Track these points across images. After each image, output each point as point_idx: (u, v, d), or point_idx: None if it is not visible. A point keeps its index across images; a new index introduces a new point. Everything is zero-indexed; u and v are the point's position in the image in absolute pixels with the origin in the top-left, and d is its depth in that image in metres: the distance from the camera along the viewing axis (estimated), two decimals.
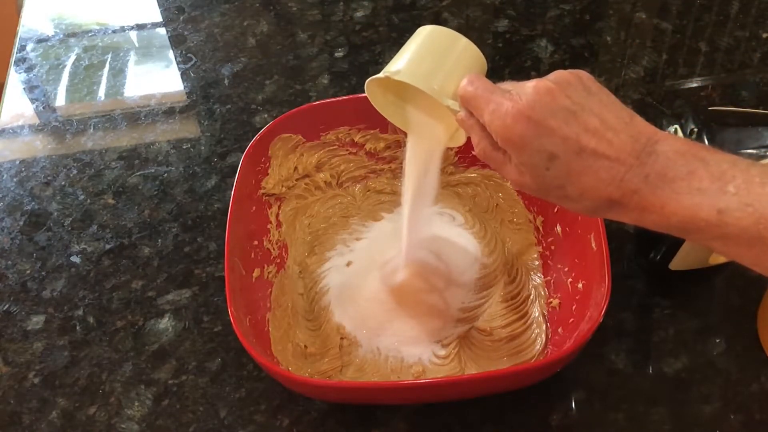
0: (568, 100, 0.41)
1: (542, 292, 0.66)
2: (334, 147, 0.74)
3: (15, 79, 0.95)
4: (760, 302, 0.64)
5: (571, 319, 0.60)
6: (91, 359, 0.66)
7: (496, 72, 0.87)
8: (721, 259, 0.65)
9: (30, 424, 0.62)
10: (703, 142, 0.59)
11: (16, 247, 0.75)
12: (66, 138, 0.87)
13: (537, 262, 0.69)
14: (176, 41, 0.98)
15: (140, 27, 1.02)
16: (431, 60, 0.50)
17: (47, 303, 0.70)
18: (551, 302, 0.64)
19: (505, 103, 0.42)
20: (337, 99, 0.73)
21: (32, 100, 0.92)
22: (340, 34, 0.96)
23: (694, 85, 0.86)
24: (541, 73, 0.43)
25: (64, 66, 0.96)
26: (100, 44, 0.99)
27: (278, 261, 0.69)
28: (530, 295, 0.66)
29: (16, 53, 0.99)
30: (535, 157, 0.42)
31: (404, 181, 0.60)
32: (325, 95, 0.88)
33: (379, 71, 0.51)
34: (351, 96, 0.74)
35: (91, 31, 1.02)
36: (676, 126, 0.62)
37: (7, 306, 0.70)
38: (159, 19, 1.02)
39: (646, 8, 0.97)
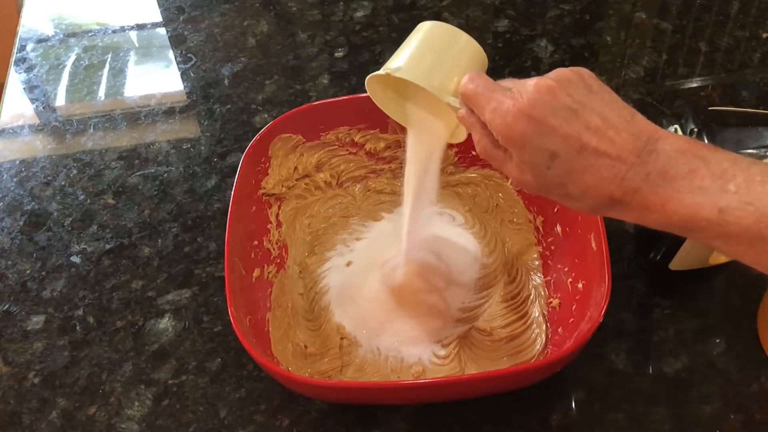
0: (570, 98, 0.41)
1: (542, 292, 0.66)
2: (334, 147, 0.74)
3: (15, 79, 0.95)
4: (760, 302, 0.64)
5: (571, 319, 0.60)
6: (91, 359, 0.66)
7: (496, 72, 0.87)
8: (721, 259, 0.65)
9: (30, 424, 0.62)
10: (703, 141, 0.59)
11: (16, 247, 0.75)
12: (66, 138, 0.87)
13: (537, 262, 0.69)
14: (176, 41, 0.98)
15: (140, 27, 1.02)
16: (432, 56, 0.50)
17: (47, 303, 0.70)
18: (551, 302, 0.64)
19: (506, 102, 0.42)
20: (337, 99, 0.73)
21: (32, 100, 0.92)
22: (340, 34, 0.96)
23: (694, 85, 0.86)
24: (541, 73, 0.43)
25: (64, 66, 0.96)
26: (100, 44, 0.99)
27: (278, 261, 0.69)
28: (530, 295, 0.66)
29: (16, 53, 0.99)
30: (536, 156, 0.42)
31: (405, 178, 0.59)
32: (325, 95, 0.88)
33: (379, 70, 0.50)
34: (351, 96, 0.74)
35: (91, 31, 1.02)
36: (676, 126, 0.62)
37: (7, 306, 0.70)
38: (159, 19, 1.02)
39: (646, 8, 0.97)
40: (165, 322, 0.68)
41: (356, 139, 0.74)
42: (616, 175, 0.40)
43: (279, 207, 0.72)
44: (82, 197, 0.79)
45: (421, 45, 0.51)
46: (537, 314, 0.65)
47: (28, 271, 0.73)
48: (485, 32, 0.94)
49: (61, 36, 1.02)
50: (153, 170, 0.82)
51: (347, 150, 0.74)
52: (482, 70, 0.51)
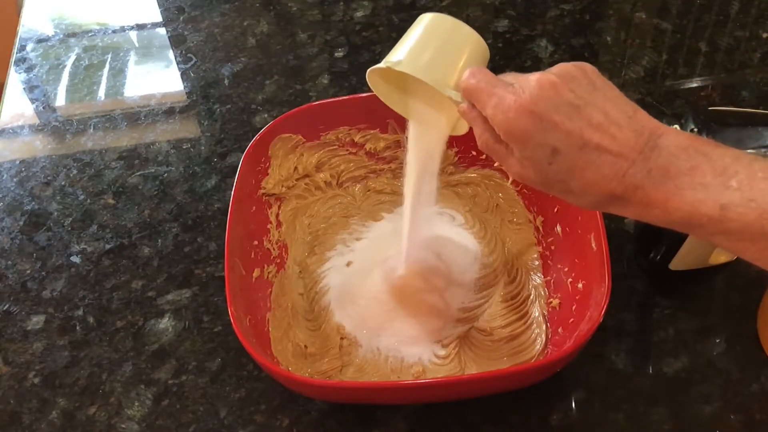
0: (572, 94, 0.41)
1: (542, 292, 0.66)
2: (334, 147, 0.74)
3: (15, 79, 0.95)
4: (760, 302, 0.64)
5: (571, 319, 0.60)
6: (91, 359, 0.66)
7: (496, 72, 0.87)
8: (721, 259, 0.65)
9: (30, 424, 0.62)
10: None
11: (16, 247, 0.75)
12: (66, 138, 0.87)
13: (537, 262, 0.69)
14: (176, 41, 0.98)
15: (140, 27, 1.02)
16: (432, 49, 0.49)
17: (47, 303, 0.70)
18: (551, 302, 0.64)
19: (508, 97, 0.42)
20: (337, 99, 0.72)
21: (32, 100, 0.92)
22: (340, 34, 0.96)
23: (694, 85, 0.86)
24: None
25: (64, 66, 0.96)
26: (100, 44, 0.99)
27: (278, 261, 0.69)
28: (530, 295, 0.66)
29: (16, 53, 0.99)
30: (537, 152, 0.42)
31: (406, 171, 0.59)
32: (325, 95, 0.88)
33: (380, 63, 0.50)
34: (351, 96, 0.74)
35: (91, 31, 1.02)
36: (676, 126, 0.62)
37: (7, 306, 0.70)
38: (159, 19, 1.02)
39: (646, 8, 0.97)
40: (165, 322, 0.68)
41: (356, 139, 0.74)
42: (617, 171, 0.40)
43: (279, 207, 0.72)
44: (82, 197, 0.79)
45: (422, 37, 0.50)
46: (537, 314, 0.65)
47: (28, 271, 0.73)
48: (485, 32, 0.94)
49: (61, 36, 1.02)
50: (153, 170, 0.82)
51: (347, 150, 0.74)
52: (484, 63, 0.50)
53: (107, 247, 0.74)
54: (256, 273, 0.65)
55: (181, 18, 1.01)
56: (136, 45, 1.00)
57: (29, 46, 1.00)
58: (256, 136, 0.68)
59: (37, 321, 0.69)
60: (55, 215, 0.78)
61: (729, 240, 0.39)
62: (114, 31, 1.02)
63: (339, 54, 0.94)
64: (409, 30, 0.51)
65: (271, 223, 0.70)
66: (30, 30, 1.03)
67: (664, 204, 0.40)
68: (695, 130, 0.59)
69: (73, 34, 1.02)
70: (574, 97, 0.41)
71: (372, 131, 0.73)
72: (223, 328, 0.67)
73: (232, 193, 0.64)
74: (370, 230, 0.74)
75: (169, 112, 0.89)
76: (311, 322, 0.66)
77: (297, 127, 0.71)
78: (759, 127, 0.58)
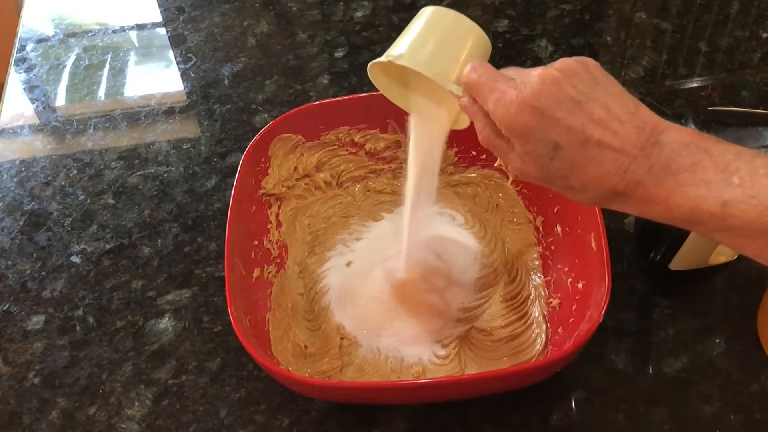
0: (574, 89, 0.41)
1: (542, 292, 0.66)
2: (334, 147, 0.74)
3: (15, 79, 0.95)
4: (760, 302, 0.64)
5: (571, 319, 0.60)
6: (91, 359, 0.66)
7: None
8: (721, 259, 0.65)
9: (30, 424, 0.62)
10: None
11: (16, 247, 0.75)
12: (66, 138, 0.87)
13: (537, 262, 0.69)
14: (176, 41, 0.98)
15: (140, 27, 1.02)
16: (434, 43, 0.49)
17: (47, 303, 0.70)
18: (551, 302, 0.64)
19: (510, 92, 0.42)
20: (337, 99, 0.72)
21: (32, 100, 0.92)
22: (340, 34, 0.96)
23: (694, 85, 0.86)
24: None
25: (64, 66, 0.96)
26: (100, 44, 0.99)
27: (278, 261, 0.69)
28: (530, 295, 0.66)
29: (16, 53, 0.99)
30: (539, 147, 0.41)
31: (407, 168, 0.59)
32: (325, 95, 0.88)
33: (381, 56, 0.50)
34: (351, 96, 0.74)
35: (91, 31, 1.02)
36: None
37: (7, 306, 0.70)
38: (159, 19, 1.02)
39: (646, 8, 0.97)
40: (165, 322, 0.68)
41: (356, 139, 0.74)
42: (619, 167, 0.40)
43: (279, 207, 0.72)
44: (82, 197, 0.79)
45: (423, 31, 0.50)
46: (537, 314, 0.65)
47: (28, 271, 0.73)
48: (485, 32, 0.94)
49: (61, 36, 1.02)
50: (153, 170, 0.82)
51: (347, 150, 0.74)
52: (486, 57, 0.50)
53: (107, 247, 0.74)
54: (256, 273, 0.65)
55: (181, 18, 1.01)
56: (136, 45, 1.00)
57: (29, 46, 1.00)
58: (256, 136, 0.68)
59: (37, 321, 0.69)
60: (55, 215, 0.78)
61: (730, 237, 0.39)
62: (114, 31, 1.02)
63: (339, 54, 0.94)
64: (410, 23, 0.51)
65: (271, 223, 0.70)
66: (30, 30, 1.03)
67: (665, 200, 0.39)
68: None
69: (73, 34, 1.02)
70: (576, 93, 0.41)
71: (372, 131, 0.73)
72: (223, 328, 0.67)
73: (232, 193, 0.64)
74: (370, 230, 0.74)
75: (169, 112, 0.89)
76: (311, 322, 0.66)
77: (297, 127, 0.71)
78: (759, 127, 0.58)
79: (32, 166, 0.83)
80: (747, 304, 0.65)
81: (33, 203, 0.79)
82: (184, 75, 0.93)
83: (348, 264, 0.70)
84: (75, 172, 0.82)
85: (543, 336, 0.63)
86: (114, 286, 0.71)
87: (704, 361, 0.62)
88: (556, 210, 0.68)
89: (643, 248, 0.68)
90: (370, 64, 0.51)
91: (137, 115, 0.89)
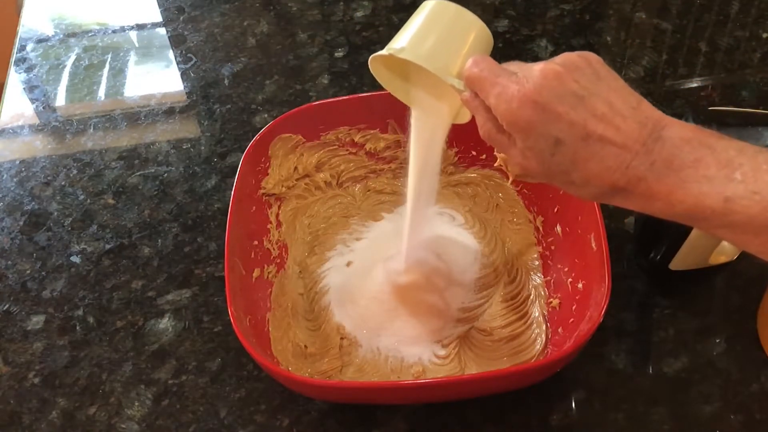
0: (576, 84, 0.40)
1: (542, 292, 0.66)
2: (334, 147, 0.74)
3: (15, 79, 0.95)
4: (760, 302, 0.64)
5: (571, 319, 0.60)
6: (91, 359, 0.66)
7: None
8: (721, 259, 0.65)
9: (30, 424, 0.62)
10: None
11: (16, 247, 0.75)
12: (66, 138, 0.87)
13: (537, 262, 0.69)
14: (176, 41, 0.98)
15: (140, 27, 1.02)
16: (435, 36, 0.48)
17: (47, 303, 0.70)
18: (551, 302, 0.64)
19: (512, 87, 0.41)
20: (337, 99, 0.72)
21: (32, 100, 0.92)
22: (340, 34, 0.96)
23: (694, 85, 0.86)
24: None
25: (64, 66, 0.96)
26: (100, 44, 0.99)
27: (278, 261, 0.69)
28: (530, 295, 0.66)
29: (16, 53, 0.99)
30: (540, 142, 0.41)
31: (408, 163, 0.59)
32: (325, 95, 0.88)
33: (382, 50, 0.50)
34: (351, 96, 0.74)
35: (91, 31, 1.02)
36: None
37: (7, 306, 0.70)
38: (159, 19, 1.02)
39: (646, 8, 0.97)
40: (165, 322, 0.68)
41: (356, 139, 0.74)
42: (620, 163, 0.40)
43: (279, 207, 0.72)
44: (82, 197, 0.79)
45: (425, 24, 0.49)
46: (537, 314, 0.65)
47: (28, 271, 0.73)
48: None
49: (61, 36, 1.02)
50: (153, 170, 0.82)
51: (347, 150, 0.74)
52: (487, 51, 0.50)
53: (107, 247, 0.74)
54: (256, 273, 0.65)
55: (181, 18, 1.01)
56: (136, 45, 1.00)
57: (29, 46, 1.00)
58: (256, 136, 0.68)
59: (37, 321, 0.69)
60: (55, 215, 0.78)
61: (733, 233, 0.39)
62: (114, 31, 1.02)
63: (339, 54, 0.94)
64: (411, 17, 0.50)
65: (271, 223, 0.70)
66: (30, 30, 1.03)
67: (667, 196, 0.39)
68: None
69: (73, 34, 1.02)
70: (578, 88, 0.40)
71: (372, 131, 0.73)
72: (223, 328, 0.67)
73: (232, 193, 0.64)
74: (370, 230, 0.74)
75: (169, 112, 0.89)
76: (311, 322, 0.66)
77: (297, 127, 0.71)
78: (759, 127, 0.58)
79: (32, 166, 0.83)
80: (747, 304, 0.65)
81: (33, 203, 0.79)
82: (184, 75, 0.93)
83: (348, 264, 0.70)
84: (75, 172, 0.82)
85: (543, 336, 0.63)
86: (114, 286, 0.71)
87: (704, 361, 0.62)
88: (556, 210, 0.68)
89: (643, 248, 0.68)
90: (371, 57, 0.51)
91: (137, 115, 0.89)
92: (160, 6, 1.04)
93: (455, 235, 0.72)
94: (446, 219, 0.73)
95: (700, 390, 0.60)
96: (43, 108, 0.91)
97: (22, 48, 0.99)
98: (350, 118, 0.72)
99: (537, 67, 0.41)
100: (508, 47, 0.91)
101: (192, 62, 0.94)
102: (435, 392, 0.57)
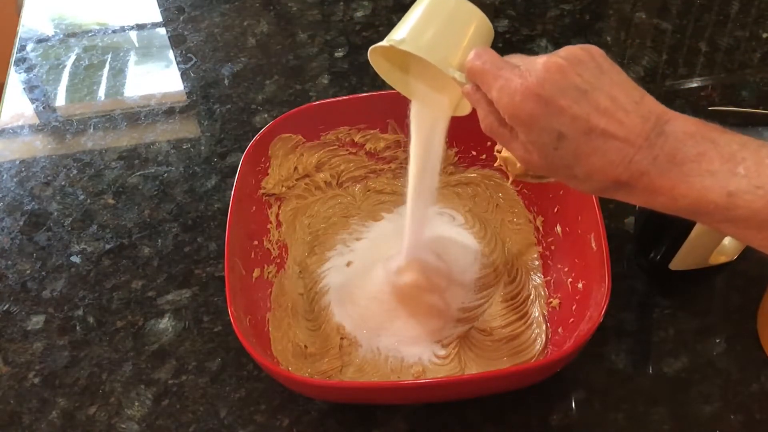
0: (579, 78, 0.40)
1: (542, 292, 0.66)
2: (334, 147, 0.74)
3: (15, 79, 0.95)
4: (760, 302, 0.64)
5: (571, 319, 0.60)
6: (91, 359, 0.66)
7: None
8: (721, 259, 0.65)
9: (30, 424, 0.62)
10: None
11: (16, 247, 0.75)
12: (66, 138, 0.87)
13: (537, 262, 0.69)
14: (176, 41, 0.98)
15: (140, 27, 1.02)
16: (436, 28, 0.48)
17: (47, 303, 0.70)
18: (551, 302, 0.64)
19: (514, 80, 0.41)
20: (337, 99, 0.72)
21: (32, 100, 0.92)
22: (340, 34, 0.96)
23: (694, 85, 0.86)
24: None
25: (64, 66, 0.96)
26: (100, 44, 0.99)
27: (278, 261, 0.69)
28: (530, 295, 0.66)
29: (16, 53, 0.99)
30: (543, 136, 0.41)
31: (410, 155, 0.58)
32: (325, 95, 0.88)
33: (382, 41, 0.49)
34: (351, 96, 0.74)
35: (91, 31, 1.02)
36: None
37: (7, 306, 0.70)
38: (159, 19, 1.02)
39: (646, 8, 0.97)
40: (165, 322, 0.68)
41: (356, 139, 0.74)
42: (623, 158, 0.40)
43: (279, 207, 0.72)
44: (82, 197, 0.79)
45: (425, 15, 0.49)
46: (537, 314, 0.65)
47: (28, 271, 0.73)
48: None
49: (61, 36, 1.02)
50: (153, 170, 0.82)
51: (347, 150, 0.74)
52: (488, 42, 0.49)
53: (107, 247, 0.74)
54: (256, 273, 0.65)
55: (181, 18, 1.01)
56: (136, 45, 1.00)
57: (29, 46, 1.00)
58: (256, 136, 0.68)
59: (37, 321, 0.69)
60: (55, 215, 0.78)
61: (736, 227, 0.39)
62: (114, 31, 1.02)
63: (339, 54, 0.94)
64: (411, 8, 0.50)
65: (271, 223, 0.70)
66: (30, 30, 1.03)
67: (670, 191, 0.39)
68: None
69: (73, 34, 1.02)
70: (582, 82, 0.40)
71: (372, 131, 0.73)
72: (223, 328, 0.67)
73: (232, 193, 0.64)
74: (370, 230, 0.74)
75: (169, 112, 0.89)
76: (311, 322, 0.66)
77: (297, 127, 0.71)
78: (759, 127, 0.58)
79: (32, 166, 0.83)
80: (747, 304, 0.65)
81: (33, 203, 0.79)
82: (184, 75, 0.93)
83: (348, 264, 0.70)
84: (75, 172, 0.82)
85: (543, 336, 0.63)
86: (114, 286, 0.71)
87: (704, 361, 0.62)
88: (556, 210, 0.68)
89: (643, 248, 0.68)
90: (371, 48, 0.50)
91: (137, 115, 0.89)
92: (160, 6, 1.04)
93: (455, 235, 0.72)
94: (446, 219, 0.73)
95: (700, 390, 0.60)
96: (43, 108, 0.91)
97: (22, 48, 0.99)
98: (350, 118, 0.72)
99: (540, 60, 0.41)
100: (508, 47, 0.91)
101: (192, 62, 0.94)
102: (435, 392, 0.57)
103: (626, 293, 0.66)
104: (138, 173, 0.82)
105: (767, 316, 0.62)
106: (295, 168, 0.72)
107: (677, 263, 0.64)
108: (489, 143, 0.72)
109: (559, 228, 0.67)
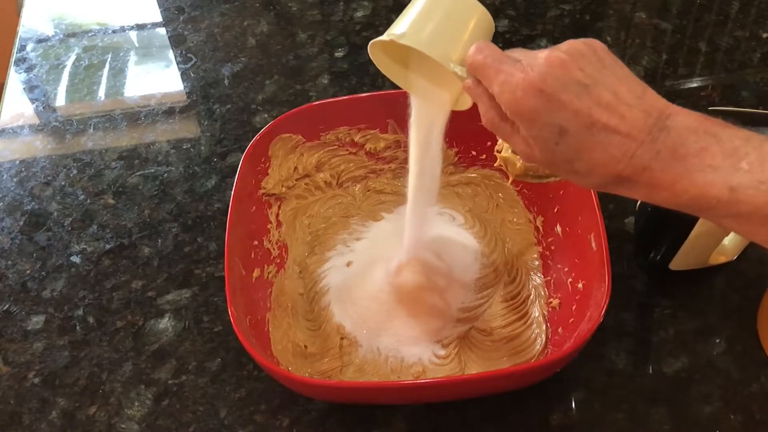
0: (581, 72, 0.40)
1: (542, 292, 0.66)
2: (334, 147, 0.74)
3: (15, 79, 0.95)
4: (760, 302, 0.64)
5: (571, 319, 0.60)
6: (91, 359, 0.66)
7: None
8: (721, 259, 0.65)
9: (30, 424, 0.62)
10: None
11: (16, 247, 0.75)
12: (66, 138, 0.87)
13: (537, 262, 0.69)
14: (176, 41, 0.98)
15: (140, 27, 1.02)
16: (436, 22, 0.48)
17: (47, 303, 0.70)
18: (551, 302, 0.64)
19: (516, 75, 0.41)
20: (337, 99, 0.73)
21: (32, 100, 0.92)
22: (340, 34, 0.96)
23: (694, 85, 0.86)
24: None
25: (64, 66, 0.96)
26: (100, 44, 0.99)
27: (278, 261, 0.69)
28: (530, 295, 0.66)
29: (16, 53, 0.99)
30: (544, 131, 0.41)
31: (409, 152, 0.58)
32: (325, 95, 0.88)
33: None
34: (351, 96, 0.74)
35: (91, 31, 1.02)
36: None
37: (7, 306, 0.70)
38: (159, 19, 1.02)
39: (646, 8, 0.97)
40: (165, 322, 0.68)
41: (356, 139, 0.74)
42: (625, 152, 0.39)
43: (279, 207, 0.72)
44: (82, 197, 0.79)
45: (426, 9, 0.48)
46: (537, 314, 0.65)
47: (28, 271, 0.73)
48: None
49: (61, 36, 1.02)
50: (153, 170, 0.82)
51: (347, 150, 0.74)
52: (489, 37, 0.49)
53: (107, 247, 0.74)
54: (256, 273, 0.65)
55: (181, 18, 1.01)
56: (136, 45, 1.00)
57: (29, 46, 1.00)
58: (256, 136, 0.68)
59: (37, 321, 0.69)
60: (55, 215, 0.78)
61: (738, 223, 0.39)
62: (114, 31, 1.02)
63: (339, 54, 0.94)
64: (412, 1, 0.50)
65: (271, 223, 0.70)
66: (30, 30, 1.03)
67: (672, 186, 0.39)
68: None
69: (73, 34, 1.02)
70: (583, 76, 0.40)
71: (372, 131, 0.73)
72: (223, 328, 0.67)
73: (232, 193, 0.64)
74: (370, 230, 0.74)
75: (169, 112, 0.89)
76: (311, 322, 0.66)
77: (297, 127, 0.71)
78: (759, 127, 0.58)
79: (32, 166, 0.83)
80: (747, 304, 0.65)
81: (33, 203, 0.79)
82: (184, 75, 0.93)
83: (348, 264, 0.70)
84: (75, 172, 0.82)
85: (543, 336, 0.63)
86: (114, 286, 0.71)
87: (704, 361, 0.62)
88: (556, 210, 0.68)
89: (643, 248, 0.68)
90: (371, 42, 0.50)
91: (137, 115, 0.89)
92: (160, 6, 1.04)
93: (455, 235, 0.72)
94: (446, 219, 0.73)
95: (700, 390, 0.60)
96: (43, 108, 0.91)
97: (22, 48, 0.99)
98: (350, 118, 0.72)
99: (542, 55, 0.41)
100: (507, 47, 0.90)
101: (192, 62, 0.94)
102: (435, 392, 0.57)
103: (626, 293, 0.66)
104: (138, 173, 0.82)
105: (767, 316, 0.62)
106: (295, 168, 0.72)
107: (677, 263, 0.64)
108: (489, 143, 0.72)
109: (559, 228, 0.67)
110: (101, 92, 0.93)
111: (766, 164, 0.37)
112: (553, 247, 0.67)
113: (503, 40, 0.92)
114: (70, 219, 0.77)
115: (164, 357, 0.65)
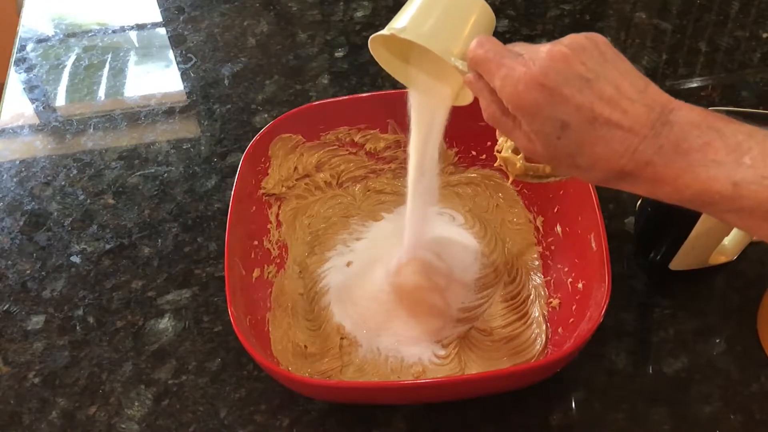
0: (583, 66, 0.40)
1: (542, 292, 0.66)
2: (334, 147, 0.74)
3: (15, 79, 0.95)
4: (760, 302, 0.64)
5: (571, 319, 0.60)
6: (91, 359, 0.66)
7: None
8: (721, 259, 0.65)
9: (30, 424, 0.62)
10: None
11: (16, 247, 0.75)
12: (66, 138, 0.87)
13: (537, 262, 0.69)
14: (176, 41, 0.98)
15: (140, 27, 1.02)
16: (437, 16, 0.47)
17: (47, 303, 0.70)
18: (551, 302, 0.64)
19: (518, 69, 0.41)
20: (337, 99, 0.72)
21: (32, 100, 0.92)
22: (340, 34, 0.96)
23: (694, 85, 0.86)
24: None
25: (64, 66, 0.96)
26: (100, 44, 0.99)
27: (278, 261, 0.69)
28: (530, 295, 0.66)
29: (16, 53, 0.99)
30: (546, 126, 0.40)
31: (409, 148, 0.58)
32: (325, 95, 0.88)
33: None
34: (351, 96, 0.74)
35: (91, 31, 1.02)
36: None
37: (7, 306, 0.70)
38: (159, 19, 1.02)
39: (646, 8, 0.97)
40: (165, 322, 0.68)
41: (356, 139, 0.74)
42: (627, 147, 0.39)
43: (279, 207, 0.72)
44: (82, 197, 0.79)
45: (427, 3, 0.48)
46: (537, 314, 0.65)
47: (28, 271, 0.73)
48: None
49: (61, 36, 1.02)
50: (153, 170, 0.82)
51: (347, 150, 0.74)
52: (490, 31, 0.49)
53: (107, 247, 0.74)
54: (256, 273, 0.65)
55: (181, 18, 1.01)
56: (136, 45, 1.00)
57: (29, 46, 1.00)
58: (256, 136, 0.68)
59: (37, 321, 0.69)
60: (55, 215, 0.78)
61: (741, 218, 0.38)
62: (114, 31, 1.02)
63: (339, 54, 0.94)
64: None
65: (271, 223, 0.70)
66: (30, 30, 1.03)
67: (674, 181, 0.39)
68: None
69: (73, 34, 1.02)
70: (586, 70, 0.40)
71: (372, 131, 0.73)
72: (223, 328, 0.67)
73: (232, 193, 0.64)
74: (370, 230, 0.74)
75: (169, 112, 0.89)
76: (311, 322, 0.66)
77: (297, 127, 0.71)
78: (759, 127, 0.58)
79: (32, 166, 0.83)
80: (747, 304, 0.65)
81: (33, 203, 0.79)
82: (184, 75, 0.93)
83: (348, 264, 0.70)
84: (75, 172, 0.82)
85: (543, 336, 0.63)
86: (114, 286, 0.71)
87: (704, 361, 0.62)
88: (556, 210, 0.68)
89: (643, 248, 0.68)
90: (371, 37, 0.50)
91: (137, 115, 0.89)
92: (160, 6, 1.04)
93: (455, 235, 0.72)
94: (446, 219, 0.73)
95: (700, 390, 0.60)
96: (43, 108, 0.91)
97: (22, 48, 0.99)
98: (350, 118, 0.72)
99: (543, 49, 0.40)
100: None
101: (192, 62, 0.94)
102: (435, 392, 0.57)
103: (626, 293, 0.66)
104: (138, 173, 0.82)
105: (767, 316, 0.62)
106: (295, 168, 0.72)
107: (677, 263, 0.64)
108: (489, 143, 0.72)
109: (559, 228, 0.67)
110: (101, 92, 0.93)
111: None
112: (553, 247, 0.67)
113: (503, 40, 0.91)
114: (70, 219, 0.77)
115: (164, 357, 0.65)
